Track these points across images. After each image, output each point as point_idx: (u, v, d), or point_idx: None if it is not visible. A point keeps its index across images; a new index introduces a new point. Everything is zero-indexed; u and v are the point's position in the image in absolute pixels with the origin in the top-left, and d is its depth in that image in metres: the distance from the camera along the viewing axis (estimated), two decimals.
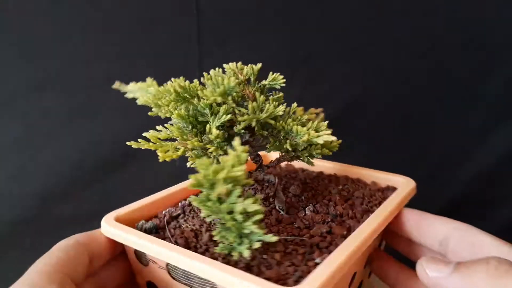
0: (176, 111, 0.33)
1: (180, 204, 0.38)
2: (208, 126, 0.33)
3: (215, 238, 0.29)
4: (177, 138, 0.33)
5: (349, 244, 0.28)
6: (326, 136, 0.31)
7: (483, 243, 0.31)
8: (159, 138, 0.33)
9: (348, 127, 0.66)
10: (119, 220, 0.34)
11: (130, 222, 0.35)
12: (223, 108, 0.33)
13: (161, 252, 0.29)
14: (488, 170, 0.71)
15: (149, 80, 0.35)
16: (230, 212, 0.27)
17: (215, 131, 0.32)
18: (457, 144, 0.70)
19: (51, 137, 0.62)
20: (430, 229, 0.35)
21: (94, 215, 0.67)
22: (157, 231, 0.34)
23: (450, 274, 0.27)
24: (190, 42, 0.62)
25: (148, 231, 0.33)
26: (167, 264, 0.31)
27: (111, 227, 0.33)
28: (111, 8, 0.58)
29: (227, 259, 0.28)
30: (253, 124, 0.33)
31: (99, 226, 0.76)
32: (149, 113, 0.35)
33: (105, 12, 0.58)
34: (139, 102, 0.34)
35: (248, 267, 0.27)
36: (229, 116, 0.33)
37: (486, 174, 0.71)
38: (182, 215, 0.36)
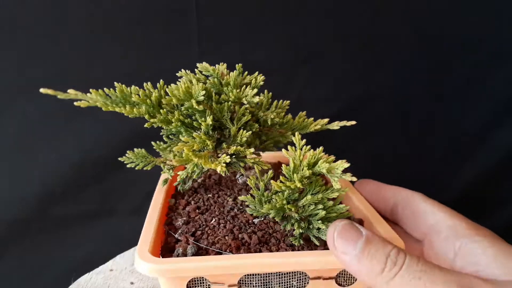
0: (203, 119, 0.31)
1: (180, 219, 0.36)
2: (233, 129, 0.33)
3: (295, 233, 0.30)
4: (207, 148, 0.32)
5: None
6: None
7: (421, 211, 0.33)
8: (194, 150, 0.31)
9: (347, 127, 0.66)
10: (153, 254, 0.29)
11: (155, 252, 0.30)
12: (242, 109, 0.32)
13: (239, 264, 0.27)
14: (488, 170, 0.71)
15: (118, 87, 0.32)
16: (316, 204, 0.30)
17: (245, 133, 0.32)
18: (457, 144, 0.70)
19: (51, 137, 0.62)
20: (382, 197, 0.37)
21: (94, 215, 0.68)
22: (198, 252, 0.31)
23: (356, 256, 0.26)
24: (190, 42, 0.62)
25: (195, 254, 0.30)
26: (239, 280, 0.29)
27: (161, 264, 0.27)
28: (111, 8, 0.58)
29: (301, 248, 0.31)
30: (269, 122, 0.35)
31: (98, 226, 0.77)
32: (146, 125, 0.32)
33: (105, 12, 0.58)
34: (126, 113, 0.31)
35: (326, 248, 0.30)
36: (249, 116, 0.33)
37: (486, 174, 0.71)
38: (199, 230, 0.34)
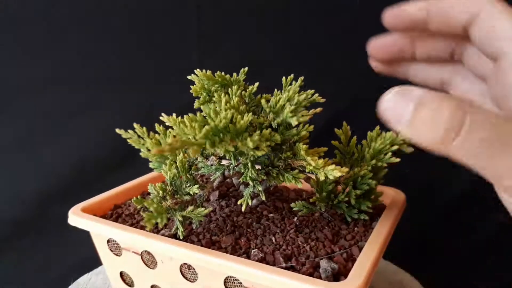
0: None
1: (255, 251, 0.31)
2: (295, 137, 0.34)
3: (353, 210, 0.35)
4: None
5: None
6: None
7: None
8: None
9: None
10: None
11: None
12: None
13: (375, 253, 0.30)
14: None
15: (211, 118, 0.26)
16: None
17: (307, 131, 0.34)
18: None
19: (51, 137, 0.62)
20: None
21: None
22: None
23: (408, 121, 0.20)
24: (190, 41, 0.62)
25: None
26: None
27: (357, 280, 0.27)
28: (111, 9, 0.58)
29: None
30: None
31: None
32: (258, 153, 0.29)
33: (105, 12, 0.58)
34: (252, 145, 0.27)
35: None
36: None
37: None
38: (286, 250, 0.31)
